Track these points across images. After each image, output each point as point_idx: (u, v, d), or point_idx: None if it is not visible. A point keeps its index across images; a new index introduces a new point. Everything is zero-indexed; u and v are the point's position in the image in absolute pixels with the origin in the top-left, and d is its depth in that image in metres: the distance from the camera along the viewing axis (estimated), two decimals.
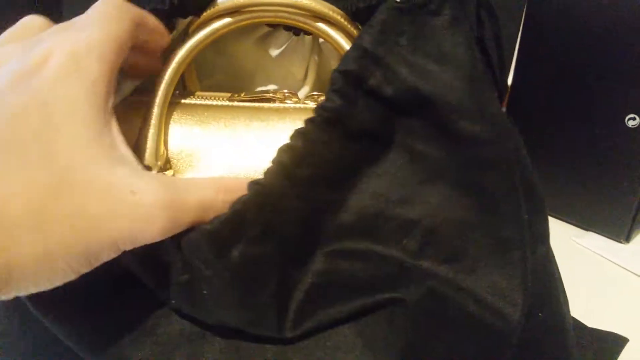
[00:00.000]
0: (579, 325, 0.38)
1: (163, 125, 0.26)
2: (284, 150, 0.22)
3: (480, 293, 0.22)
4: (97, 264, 0.20)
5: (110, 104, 0.21)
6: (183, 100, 0.28)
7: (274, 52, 0.34)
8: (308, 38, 0.34)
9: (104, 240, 0.19)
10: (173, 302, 0.23)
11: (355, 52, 0.23)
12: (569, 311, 0.29)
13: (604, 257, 0.49)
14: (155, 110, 0.26)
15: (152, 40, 0.24)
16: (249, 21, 0.28)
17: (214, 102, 0.28)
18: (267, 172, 0.22)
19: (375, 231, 0.23)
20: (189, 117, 0.27)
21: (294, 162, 0.22)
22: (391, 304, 0.23)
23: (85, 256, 0.19)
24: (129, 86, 0.26)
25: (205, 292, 0.22)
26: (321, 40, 0.34)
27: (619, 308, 0.42)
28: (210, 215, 0.21)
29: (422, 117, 0.23)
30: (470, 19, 0.24)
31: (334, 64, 0.34)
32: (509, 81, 0.54)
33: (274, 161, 0.22)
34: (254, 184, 0.22)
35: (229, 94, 0.28)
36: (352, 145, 0.23)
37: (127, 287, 0.23)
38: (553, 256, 0.28)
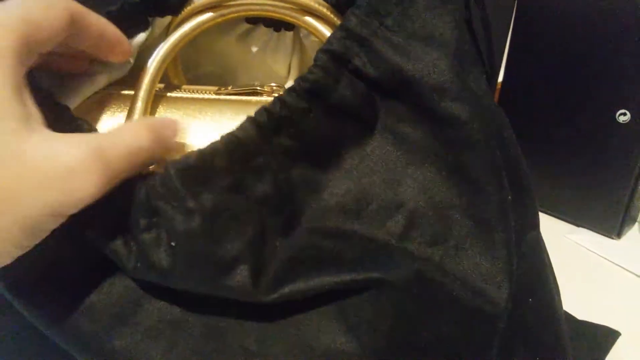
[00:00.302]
0: (570, 319, 0.38)
1: None
2: (261, 111, 0.22)
3: (465, 276, 0.22)
4: (43, 234, 0.19)
5: (22, 73, 0.20)
6: (169, 94, 0.27)
7: (255, 49, 0.34)
8: (289, 34, 0.34)
9: (34, 212, 0.18)
10: (141, 270, 0.22)
11: (340, 33, 0.23)
12: (560, 301, 0.29)
13: (595, 253, 0.49)
14: (139, 105, 0.25)
15: (96, 43, 0.24)
16: (234, 15, 0.28)
17: (200, 96, 0.27)
18: (241, 126, 0.22)
19: (360, 212, 0.23)
20: (175, 110, 0.26)
21: (272, 126, 0.22)
22: (375, 286, 0.23)
23: (22, 230, 0.19)
24: (103, 78, 0.26)
25: (173, 243, 0.21)
26: (302, 35, 0.34)
27: (610, 303, 0.42)
28: (145, 158, 0.21)
29: (406, 98, 0.23)
30: (458, 1, 0.24)
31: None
32: (500, 77, 0.54)
33: (248, 118, 0.22)
34: (227, 134, 0.22)
35: (216, 88, 0.28)
36: (334, 122, 0.23)
37: (101, 274, 0.23)
38: (544, 244, 0.27)
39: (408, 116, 0.23)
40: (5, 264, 0.19)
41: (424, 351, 0.23)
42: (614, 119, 0.46)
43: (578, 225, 0.53)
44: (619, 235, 0.51)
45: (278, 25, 0.33)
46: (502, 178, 0.23)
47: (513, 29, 0.51)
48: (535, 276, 0.27)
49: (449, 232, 0.22)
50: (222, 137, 0.22)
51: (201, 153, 0.21)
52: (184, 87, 0.28)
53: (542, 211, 0.54)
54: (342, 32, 0.23)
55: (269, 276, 0.22)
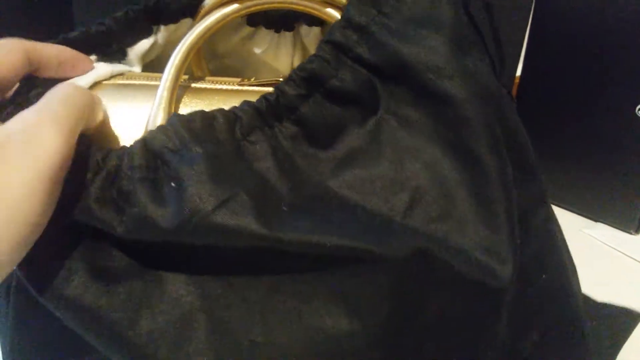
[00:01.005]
0: (589, 301, 0.38)
1: (172, 109, 0.26)
2: (260, 99, 0.23)
3: (469, 251, 0.22)
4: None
5: None
6: (193, 84, 0.28)
7: (259, 51, 0.35)
8: (289, 34, 0.35)
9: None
10: (136, 229, 0.22)
11: (340, 22, 0.24)
12: (577, 279, 0.29)
13: (613, 248, 0.48)
14: (165, 94, 0.26)
15: (56, 70, 0.25)
16: (259, 7, 0.28)
17: (224, 87, 0.28)
18: (240, 106, 0.23)
19: (364, 190, 0.23)
20: (199, 100, 0.27)
21: (271, 113, 0.23)
22: (373, 266, 0.22)
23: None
24: (104, 68, 0.28)
25: (173, 184, 0.21)
26: (303, 34, 0.34)
27: (628, 299, 0.42)
28: (79, 103, 0.21)
29: (406, 81, 0.23)
30: None
31: None
32: (518, 72, 0.54)
33: (249, 103, 0.23)
34: (227, 110, 0.23)
35: (239, 79, 0.29)
36: (336, 107, 0.24)
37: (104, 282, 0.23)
38: (556, 220, 0.27)
39: (409, 98, 0.24)
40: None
41: (427, 328, 0.23)
42: (634, 114, 0.46)
43: (596, 221, 0.52)
44: (637, 230, 0.50)
45: (278, 26, 0.34)
46: (503, 154, 0.23)
47: (531, 23, 0.51)
48: (547, 253, 0.26)
49: (452, 208, 0.22)
50: (221, 110, 0.22)
51: (204, 113, 0.22)
52: (208, 78, 0.29)
53: (559, 206, 0.53)
54: (343, 22, 0.24)
55: (268, 216, 0.21)
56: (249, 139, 0.23)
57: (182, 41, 0.27)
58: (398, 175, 0.23)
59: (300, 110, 0.23)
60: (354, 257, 0.22)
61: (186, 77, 0.29)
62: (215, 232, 0.21)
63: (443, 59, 0.23)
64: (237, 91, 0.28)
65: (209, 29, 0.28)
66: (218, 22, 0.27)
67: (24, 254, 0.19)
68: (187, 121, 0.22)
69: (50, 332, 0.24)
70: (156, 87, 0.26)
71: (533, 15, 0.51)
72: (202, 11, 0.28)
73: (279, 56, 0.35)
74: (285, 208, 0.22)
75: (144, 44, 0.30)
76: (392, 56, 0.23)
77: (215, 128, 0.22)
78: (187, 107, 0.27)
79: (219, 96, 0.27)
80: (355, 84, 0.24)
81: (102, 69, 0.28)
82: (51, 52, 0.25)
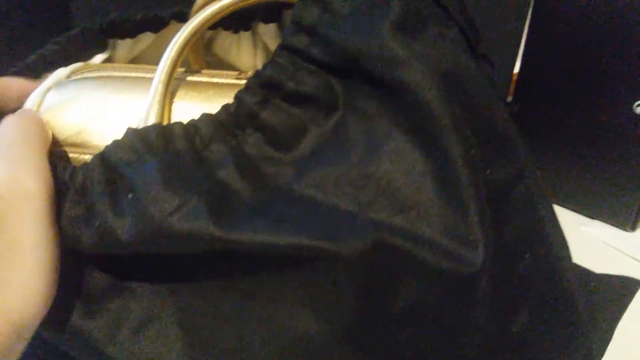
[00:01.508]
0: (585, 271, 0.38)
1: (167, 102, 0.26)
2: (220, 110, 0.24)
3: (435, 239, 0.21)
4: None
5: None
6: (189, 78, 0.28)
7: (221, 52, 0.35)
8: (248, 34, 0.35)
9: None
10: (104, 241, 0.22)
11: (290, 27, 0.24)
12: (568, 253, 0.28)
13: (610, 245, 0.48)
14: (160, 88, 0.26)
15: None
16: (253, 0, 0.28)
17: (220, 80, 0.28)
18: (200, 118, 0.23)
19: (326, 187, 0.23)
20: (195, 94, 0.27)
21: (233, 122, 0.23)
22: (334, 264, 0.22)
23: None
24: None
25: (130, 195, 0.22)
26: (261, 32, 0.34)
27: None
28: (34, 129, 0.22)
29: (360, 74, 0.23)
30: None
31: None
32: (516, 69, 0.54)
33: (208, 115, 0.24)
34: (187, 122, 0.23)
35: (236, 72, 0.28)
36: (295, 109, 0.24)
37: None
38: (540, 197, 0.26)
39: (366, 91, 0.23)
40: None
41: (399, 321, 0.23)
42: (631, 110, 0.46)
43: (593, 218, 0.52)
44: (633, 228, 0.50)
45: (235, 27, 0.34)
46: (466, 134, 0.22)
47: (530, 20, 0.51)
48: (529, 231, 0.26)
49: (418, 197, 0.22)
50: (179, 123, 0.23)
51: (161, 126, 0.23)
52: (204, 71, 0.29)
53: (556, 203, 0.53)
54: (292, 26, 0.24)
55: (225, 218, 0.21)
56: (209, 148, 0.23)
57: (178, 34, 0.27)
58: (363, 170, 0.22)
59: (261, 117, 0.24)
60: (314, 257, 0.22)
61: (182, 70, 0.28)
62: (172, 238, 0.21)
63: (390, 45, 0.22)
64: (234, 85, 0.27)
65: (205, 22, 0.27)
66: (214, 15, 0.27)
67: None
68: (143, 133, 0.23)
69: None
70: (151, 79, 0.26)
71: (532, 12, 0.50)
72: (197, 5, 0.28)
73: (242, 57, 0.35)
74: (243, 211, 0.22)
75: (98, 58, 0.32)
76: (343, 52, 0.23)
77: (172, 140, 0.23)
78: (182, 100, 0.26)
79: (215, 89, 0.27)
80: (312, 85, 0.24)
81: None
82: (13, 87, 0.25)
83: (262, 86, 0.24)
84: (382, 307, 0.22)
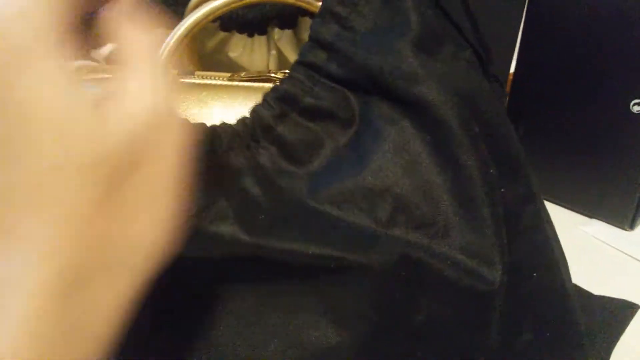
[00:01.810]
0: (585, 294, 0.38)
1: None
2: (238, 122, 0.23)
3: (455, 256, 0.22)
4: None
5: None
6: (182, 80, 0.27)
7: (233, 55, 0.35)
8: (263, 38, 0.34)
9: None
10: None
11: (308, 43, 0.24)
12: (568, 274, 0.28)
13: (608, 244, 0.48)
14: None
15: None
16: (245, 1, 0.28)
17: (213, 82, 0.27)
18: (221, 124, 0.23)
19: (345, 203, 0.23)
20: (188, 96, 0.27)
21: (249, 135, 0.23)
22: (357, 273, 0.22)
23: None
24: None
25: None
26: (276, 38, 0.34)
27: (623, 295, 0.42)
28: None
29: (378, 89, 0.23)
30: None
31: (292, 58, 0.35)
32: (512, 68, 0.54)
33: (227, 124, 0.23)
34: (209, 126, 0.23)
35: (229, 74, 0.28)
36: (311, 123, 0.24)
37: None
38: (547, 215, 0.27)
39: (383, 106, 0.24)
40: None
41: (417, 335, 0.23)
42: (628, 109, 0.46)
43: (591, 217, 0.52)
44: (631, 226, 0.50)
45: (251, 30, 0.34)
46: (483, 153, 0.23)
47: (525, 19, 0.51)
48: (537, 251, 0.26)
49: (437, 213, 0.22)
50: (202, 124, 0.23)
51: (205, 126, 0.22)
52: (197, 73, 0.28)
53: (554, 203, 0.53)
54: (311, 42, 0.24)
55: (252, 226, 0.21)
56: (230, 155, 0.23)
57: (171, 35, 0.27)
58: (379, 184, 0.23)
59: (277, 130, 0.24)
60: (339, 267, 0.22)
61: (175, 71, 0.28)
62: (197, 238, 0.21)
63: (411, 64, 0.23)
64: (226, 86, 0.27)
65: (197, 23, 0.27)
66: (207, 16, 0.27)
67: None
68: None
69: None
70: None
71: (527, 10, 0.50)
72: (191, 5, 0.28)
73: (254, 60, 0.36)
74: (266, 218, 0.22)
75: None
76: (362, 68, 0.23)
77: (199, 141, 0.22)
78: (175, 102, 0.26)
79: (208, 91, 0.27)
80: (329, 100, 0.24)
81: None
82: None
83: (278, 100, 0.24)
84: (403, 320, 0.23)
